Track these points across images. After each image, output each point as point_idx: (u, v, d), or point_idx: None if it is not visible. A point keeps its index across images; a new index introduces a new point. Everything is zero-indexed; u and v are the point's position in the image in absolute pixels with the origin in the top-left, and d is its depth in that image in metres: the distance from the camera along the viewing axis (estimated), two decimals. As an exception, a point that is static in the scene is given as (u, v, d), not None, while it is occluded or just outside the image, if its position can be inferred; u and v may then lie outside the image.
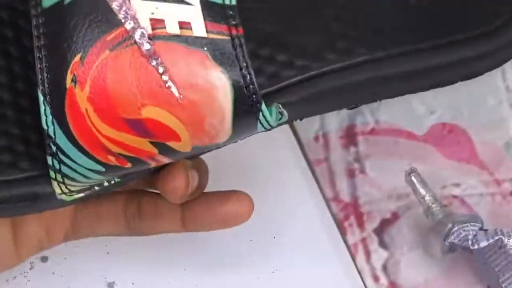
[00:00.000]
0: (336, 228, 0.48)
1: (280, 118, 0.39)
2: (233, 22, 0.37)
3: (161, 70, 0.36)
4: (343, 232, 0.48)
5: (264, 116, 0.38)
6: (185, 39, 0.36)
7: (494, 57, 0.41)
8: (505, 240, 0.44)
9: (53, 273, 0.46)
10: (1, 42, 0.39)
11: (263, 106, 0.37)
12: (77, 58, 0.36)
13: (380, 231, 0.48)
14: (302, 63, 0.39)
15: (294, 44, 0.39)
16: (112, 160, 0.37)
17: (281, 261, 0.47)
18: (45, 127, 0.37)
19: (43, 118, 0.37)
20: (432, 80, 0.41)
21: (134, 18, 0.36)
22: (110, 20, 0.36)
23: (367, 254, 0.48)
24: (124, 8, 0.36)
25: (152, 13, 0.36)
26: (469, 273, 0.47)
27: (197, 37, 0.36)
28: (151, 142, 0.37)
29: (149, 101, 0.36)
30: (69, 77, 0.36)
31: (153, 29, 0.36)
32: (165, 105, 0.36)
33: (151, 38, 0.36)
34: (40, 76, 0.37)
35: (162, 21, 0.36)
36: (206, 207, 0.43)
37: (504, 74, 0.52)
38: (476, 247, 0.44)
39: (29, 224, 0.42)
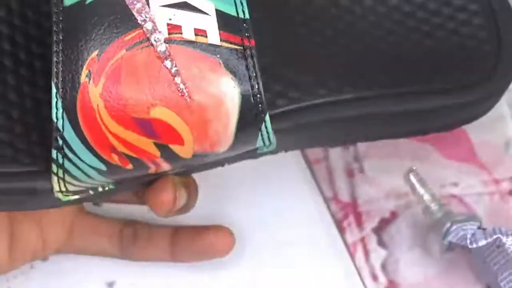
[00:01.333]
0: (335, 227, 0.48)
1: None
2: (246, 34, 0.38)
3: (174, 71, 0.37)
4: (342, 231, 0.48)
5: (266, 127, 0.38)
6: (199, 45, 0.37)
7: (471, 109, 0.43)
8: (503, 239, 0.44)
9: (53, 273, 0.46)
10: (25, 40, 0.40)
11: (267, 117, 0.38)
12: (94, 54, 0.37)
13: (379, 230, 0.48)
14: (295, 95, 0.40)
15: (288, 77, 0.41)
16: (115, 159, 0.38)
17: (280, 260, 0.47)
18: (54, 119, 0.37)
19: (54, 110, 0.37)
20: (415, 126, 0.43)
21: (152, 21, 0.37)
22: (129, 22, 0.37)
23: (366, 253, 0.48)
24: (143, 12, 0.37)
25: (170, 19, 0.37)
26: (468, 272, 0.47)
27: (211, 45, 0.37)
28: (155, 144, 0.37)
29: (159, 101, 0.36)
30: (84, 72, 0.37)
31: (169, 33, 0.37)
32: (174, 107, 0.37)
33: (167, 41, 0.37)
34: (55, 70, 0.37)
35: (179, 27, 0.37)
36: (188, 239, 0.44)
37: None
38: (474, 246, 0.44)
39: (28, 236, 0.43)
